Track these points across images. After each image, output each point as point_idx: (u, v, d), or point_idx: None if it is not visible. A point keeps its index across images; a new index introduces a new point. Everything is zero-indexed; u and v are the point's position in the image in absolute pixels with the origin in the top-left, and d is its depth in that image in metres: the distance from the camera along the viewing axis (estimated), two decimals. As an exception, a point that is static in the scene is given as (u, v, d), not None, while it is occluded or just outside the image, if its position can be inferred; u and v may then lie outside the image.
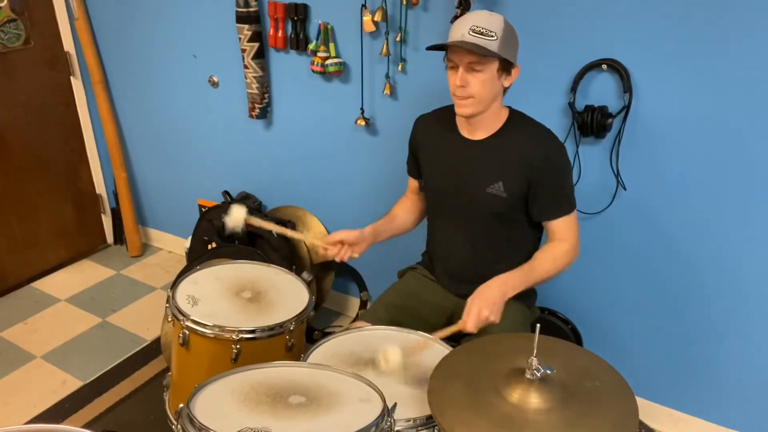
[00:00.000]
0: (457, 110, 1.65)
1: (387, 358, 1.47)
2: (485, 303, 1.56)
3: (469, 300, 1.59)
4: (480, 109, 1.64)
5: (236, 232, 2.56)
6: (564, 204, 1.71)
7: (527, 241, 1.80)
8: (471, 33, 1.54)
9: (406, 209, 1.97)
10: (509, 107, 1.74)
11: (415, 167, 1.91)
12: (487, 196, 1.71)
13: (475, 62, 1.56)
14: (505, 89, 1.68)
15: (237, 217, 1.82)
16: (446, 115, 1.80)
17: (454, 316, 1.85)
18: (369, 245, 1.82)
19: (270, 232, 2.57)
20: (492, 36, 1.55)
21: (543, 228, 1.80)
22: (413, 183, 1.96)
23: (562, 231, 1.72)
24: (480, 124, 1.70)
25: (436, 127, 1.82)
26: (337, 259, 1.78)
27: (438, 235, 1.89)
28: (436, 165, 1.81)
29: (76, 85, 3.09)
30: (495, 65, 1.59)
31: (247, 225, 1.84)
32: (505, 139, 1.70)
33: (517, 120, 1.72)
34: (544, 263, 1.69)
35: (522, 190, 1.69)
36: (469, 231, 1.80)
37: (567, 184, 1.71)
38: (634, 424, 1.21)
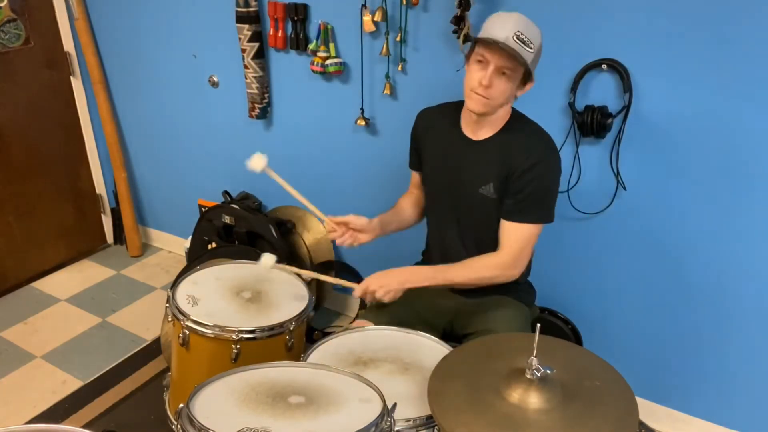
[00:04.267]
0: (470, 105, 1.64)
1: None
2: (379, 283, 1.66)
3: (370, 276, 1.69)
4: (490, 110, 1.64)
5: (239, 219, 2.62)
6: (524, 213, 1.67)
7: None
8: (515, 38, 1.53)
9: (411, 203, 1.98)
10: (513, 108, 1.74)
11: (417, 160, 1.91)
12: (479, 197, 1.71)
13: (508, 67, 1.56)
14: (515, 98, 1.68)
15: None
16: (450, 111, 1.80)
17: (454, 315, 1.85)
18: (374, 237, 1.83)
19: (271, 230, 2.58)
20: (531, 48, 1.55)
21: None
22: (416, 177, 1.96)
23: (507, 236, 1.69)
24: (485, 124, 1.70)
25: (439, 123, 1.82)
26: (338, 243, 1.81)
27: (435, 232, 1.89)
28: (435, 161, 1.82)
29: (76, 85, 3.09)
30: (520, 74, 1.59)
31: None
32: (502, 141, 1.70)
33: (516, 122, 1.72)
34: (464, 269, 1.70)
35: (504, 188, 1.69)
36: (463, 230, 1.80)
37: (539, 194, 1.67)
38: (634, 424, 1.21)
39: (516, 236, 1.68)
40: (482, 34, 1.57)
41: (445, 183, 1.78)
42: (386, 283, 1.66)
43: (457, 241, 1.81)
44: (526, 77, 1.62)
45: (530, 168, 1.63)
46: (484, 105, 1.61)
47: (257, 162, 1.83)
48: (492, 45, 1.53)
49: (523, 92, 1.66)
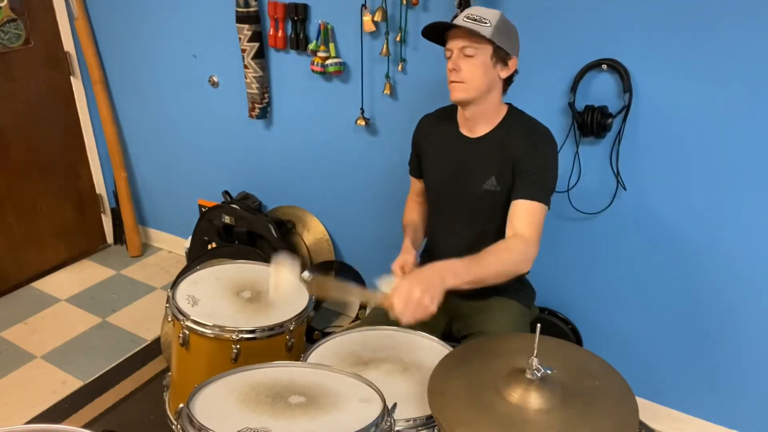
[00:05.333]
0: (452, 96, 1.66)
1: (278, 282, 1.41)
2: (418, 282, 1.32)
3: (400, 280, 1.37)
4: (472, 95, 1.63)
5: (240, 220, 2.56)
6: (533, 189, 1.62)
7: None
8: (465, 19, 1.59)
9: (419, 213, 1.95)
10: (509, 104, 1.74)
11: (418, 167, 1.91)
12: (484, 193, 1.71)
13: (467, 46, 1.59)
14: (505, 83, 1.68)
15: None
16: (448, 113, 1.81)
17: (454, 316, 1.85)
18: (416, 256, 1.78)
19: (271, 230, 2.58)
20: (485, 23, 1.58)
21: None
22: (417, 185, 1.95)
23: (521, 218, 1.60)
24: (479, 120, 1.70)
25: (438, 126, 1.82)
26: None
27: (439, 233, 1.89)
28: (437, 163, 1.81)
29: (76, 85, 3.09)
30: (488, 52, 1.60)
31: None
32: (500, 135, 1.70)
33: (514, 116, 1.72)
34: (492, 255, 1.51)
35: (510, 179, 1.68)
36: (468, 229, 1.79)
37: (542, 174, 1.64)
38: (634, 424, 1.21)
39: (527, 215, 1.60)
40: None
41: (449, 184, 1.78)
42: (427, 283, 1.33)
43: (465, 241, 1.80)
44: (502, 55, 1.62)
45: (531, 148, 1.65)
46: (462, 90, 1.63)
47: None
48: (451, 31, 1.61)
49: (508, 72, 1.65)
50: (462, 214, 1.79)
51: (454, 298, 1.84)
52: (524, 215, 1.61)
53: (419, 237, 1.88)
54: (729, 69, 1.75)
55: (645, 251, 2.06)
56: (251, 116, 2.63)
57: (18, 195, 2.95)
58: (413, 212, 1.95)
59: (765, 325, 1.96)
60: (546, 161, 1.66)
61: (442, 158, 1.79)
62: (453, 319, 1.86)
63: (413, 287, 1.30)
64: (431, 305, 1.31)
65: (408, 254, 1.74)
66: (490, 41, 1.58)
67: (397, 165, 2.08)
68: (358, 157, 2.51)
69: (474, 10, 1.61)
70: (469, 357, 1.41)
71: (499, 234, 1.76)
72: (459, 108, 1.73)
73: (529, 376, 1.24)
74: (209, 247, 2.78)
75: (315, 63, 2.35)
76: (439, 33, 1.67)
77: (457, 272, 1.40)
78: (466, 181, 1.74)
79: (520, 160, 1.65)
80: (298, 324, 1.72)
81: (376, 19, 2.17)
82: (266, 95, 2.59)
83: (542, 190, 1.63)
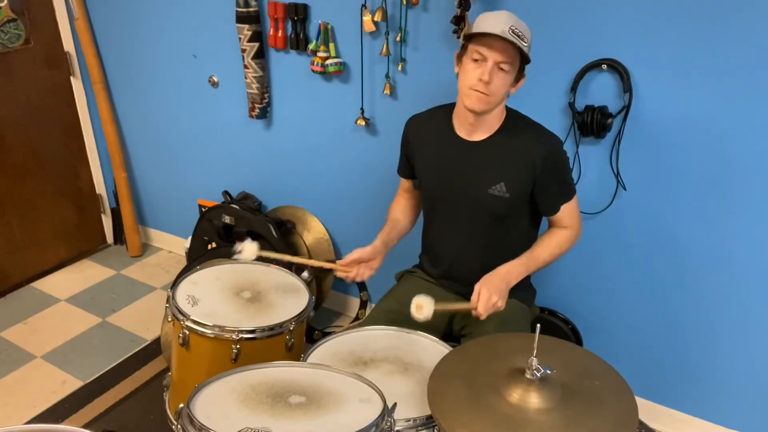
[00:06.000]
0: (469, 103, 1.62)
1: (420, 308, 1.55)
2: (494, 289, 1.60)
3: (477, 286, 1.62)
4: (489, 107, 1.64)
5: (239, 220, 2.59)
6: (566, 193, 1.75)
7: (527, 240, 1.80)
8: (511, 32, 1.54)
9: (403, 211, 1.97)
10: (506, 107, 1.74)
11: (407, 168, 1.90)
12: (489, 198, 1.71)
13: (506, 62, 1.57)
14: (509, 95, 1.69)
15: (249, 253, 1.75)
16: (440, 115, 1.79)
17: (454, 315, 1.85)
18: (383, 258, 1.82)
19: (272, 230, 2.57)
20: (525, 43, 1.58)
21: (543, 224, 1.82)
22: (405, 183, 1.96)
23: (565, 218, 1.76)
24: (482, 125, 1.70)
25: (430, 128, 1.81)
26: (358, 280, 1.78)
27: (437, 236, 1.89)
28: (432, 167, 1.80)
29: (76, 85, 3.09)
30: (516, 69, 1.60)
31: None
32: (505, 139, 1.70)
33: (514, 120, 1.72)
34: (545, 251, 1.74)
35: (527, 190, 1.70)
36: (468, 232, 1.79)
37: (567, 175, 1.76)
38: (634, 424, 1.21)
39: (569, 213, 1.76)
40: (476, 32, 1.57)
41: (445, 186, 1.77)
42: (499, 290, 1.62)
43: (465, 244, 1.81)
44: (520, 73, 1.64)
45: (549, 153, 1.67)
46: (484, 102, 1.60)
47: (249, 252, 1.75)
48: (491, 38, 1.53)
49: (516, 89, 1.67)
50: (461, 216, 1.78)
51: (454, 297, 1.86)
52: (569, 214, 1.76)
53: (395, 235, 1.90)
54: (729, 69, 1.75)
55: (645, 251, 2.06)
56: (251, 116, 2.63)
57: (18, 195, 2.95)
58: (397, 209, 1.98)
59: (765, 324, 1.96)
60: (566, 160, 1.74)
61: (437, 161, 1.78)
62: (453, 318, 1.86)
63: (492, 294, 1.60)
64: (503, 305, 1.63)
65: (371, 247, 1.78)
66: (522, 61, 1.59)
67: (396, 164, 2.07)
68: (358, 157, 2.51)
69: (517, 24, 1.56)
70: (469, 357, 1.42)
71: (503, 238, 1.77)
72: (461, 112, 1.71)
73: (528, 376, 1.24)
74: (209, 247, 2.78)
75: (315, 63, 2.35)
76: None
77: (519, 273, 1.69)
78: (467, 184, 1.73)
79: (542, 176, 1.67)
80: (298, 324, 1.72)
81: (376, 19, 2.17)
82: (266, 95, 2.59)
83: (571, 186, 1.77)
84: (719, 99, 1.79)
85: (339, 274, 1.79)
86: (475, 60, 1.58)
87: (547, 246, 1.75)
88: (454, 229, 1.82)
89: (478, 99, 1.60)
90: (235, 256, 1.76)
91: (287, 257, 1.85)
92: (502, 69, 1.57)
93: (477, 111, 1.63)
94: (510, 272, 1.67)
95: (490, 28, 1.53)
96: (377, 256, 1.79)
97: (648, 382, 2.21)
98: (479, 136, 1.72)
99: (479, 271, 1.69)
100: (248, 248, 1.74)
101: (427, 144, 1.81)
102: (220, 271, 1.93)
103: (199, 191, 3.04)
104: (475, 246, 1.80)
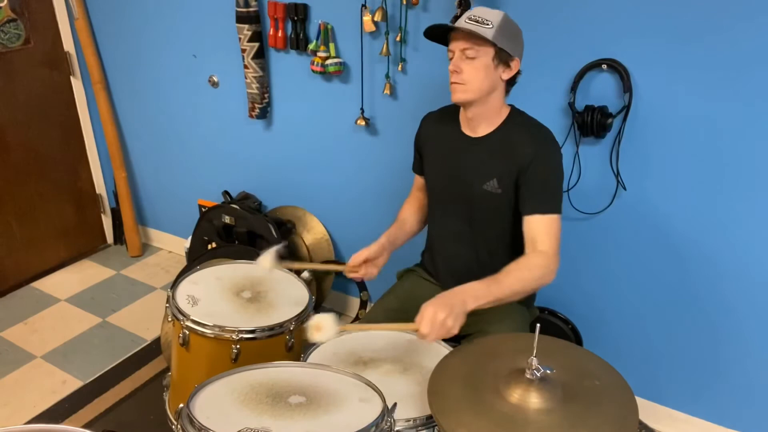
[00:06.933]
0: (453, 97, 1.66)
1: (320, 327, 1.41)
2: (441, 306, 1.40)
3: (424, 305, 1.43)
4: (473, 96, 1.63)
5: (239, 219, 2.59)
6: (546, 202, 1.63)
7: None
8: (467, 20, 1.59)
9: (413, 211, 1.96)
10: (511, 105, 1.74)
11: (420, 165, 1.91)
12: (484, 193, 1.71)
13: (468, 48, 1.59)
14: (508, 84, 1.68)
15: (264, 263, 1.75)
16: (451, 113, 1.81)
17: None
18: (389, 255, 1.82)
19: (272, 230, 2.58)
20: (487, 24, 1.58)
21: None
22: (419, 180, 1.96)
23: (539, 233, 1.61)
24: (481, 120, 1.70)
25: (440, 125, 1.83)
26: (367, 279, 1.79)
27: (438, 232, 1.89)
28: (438, 162, 1.82)
29: (76, 85, 3.09)
30: (490, 54, 1.60)
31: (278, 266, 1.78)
32: (503, 136, 1.70)
33: (516, 118, 1.72)
34: (510, 275, 1.54)
35: (514, 185, 1.68)
36: (467, 228, 1.79)
37: (552, 183, 1.65)
38: (634, 423, 1.21)
39: (544, 230, 1.61)
40: None
41: (448, 183, 1.78)
42: (448, 306, 1.40)
43: (465, 240, 1.80)
44: (504, 57, 1.62)
45: (537, 155, 1.63)
46: (462, 92, 1.63)
47: (266, 262, 1.75)
48: (452, 33, 1.61)
49: (511, 74, 1.65)
50: (461, 212, 1.79)
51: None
52: (542, 231, 1.61)
53: (401, 235, 1.90)
54: (729, 68, 1.75)
55: (645, 251, 2.06)
56: (251, 116, 2.63)
57: (18, 195, 2.95)
58: (407, 209, 1.97)
59: (765, 324, 1.96)
60: (555, 169, 1.66)
61: (442, 157, 1.80)
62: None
63: (437, 311, 1.39)
64: (454, 327, 1.40)
65: (376, 245, 1.77)
66: (491, 43, 1.57)
67: (397, 165, 2.08)
68: (358, 157, 2.51)
69: (477, 11, 1.60)
70: (469, 357, 1.41)
71: (500, 236, 1.77)
72: (461, 108, 1.74)
73: (528, 376, 1.24)
74: (209, 247, 2.78)
75: (315, 63, 2.35)
76: (441, 34, 1.67)
77: (478, 295, 1.47)
78: (465, 180, 1.74)
79: (527, 169, 1.64)
80: (298, 324, 1.72)
81: (376, 19, 2.17)
82: (266, 95, 2.59)
83: (554, 200, 1.63)
84: (719, 98, 1.79)
85: (349, 274, 1.81)
86: (450, 59, 1.65)
87: (512, 271, 1.55)
88: (454, 226, 1.82)
89: (455, 90, 1.64)
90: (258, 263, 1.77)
91: (296, 264, 1.88)
92: (468, 56, 1.60)
93: (460, 102, 1.66)
94: (466, 291, 1.47)
95: (445, 24, 1.63)
96: (383, 253, 1.80)
97: (648, 382, 2.21)
98: (481, 132, 1.72)
99: (477, 270, 1.69)
100: (264, 259, 1.75)
101: (435, 140, 1.82)
102: (220, 271, 1.93)
103: (199, 191, 3.04)
104: (474, 243, 1.80)
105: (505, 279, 1.53)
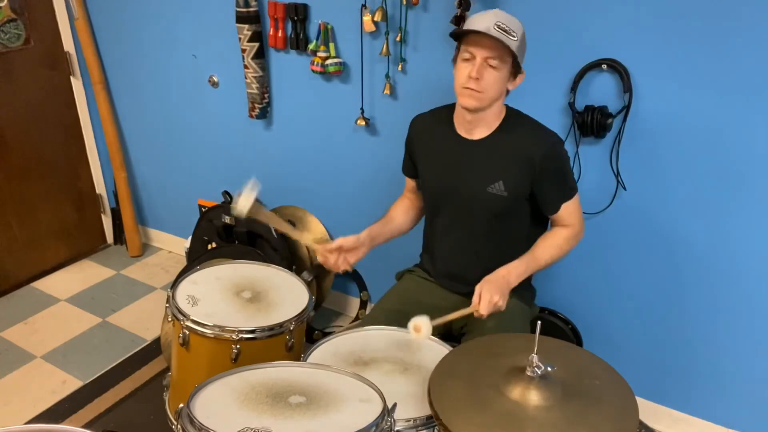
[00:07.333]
0: (462, 101, 1.64)
1: (418, 328, 1.56)
2: (495, 290, 1.60)
3: (478, 288, 1.62)
4: (484, 104, 1.64)
5: (239, 219, 2.55)
6: (566, 192, 1.74)
7: (528, 239, 1.80)
8: (496, 28, 1.55)
9: (403, 210, 1.97)
10: (506, 105, 1.74)
11: (411, 167, 1.91)
12: (488, 196, 1.71)
13: (493, 57, 1.57)
14: (507, 92, 1.69)
15: (243, 205, 1.71)
16: (443, 114, 1.80)
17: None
18: (367, 251, 1.80)
19: (272, 229, 2.58)
20: (514, 36, 1.57)
21: (544, 224, 1.82)
22: (410, 182, 1.96)
23: (566, 217, 1.75)
24: (480, 123, 1.70)
25: (433, 127, 1.82)
26: (334, 270, 1.76)
27: (437, 235, 1.89)
28: (433, 165, 1.81)
29: (76, 85, 3.09)
30: (509, 66, 1.61)
31: (251, 214, 1.74)
32: (504, 138, 1.70)
33: (513, 118, 1.73)
34: (546, 251, 1.73)
35: (525, 189, 1.70)
36: (469, 231, 1.80)
37: (568, 173, 1.75)
38: (634, 423, 1.21)
39: (570, 212, 1.75)
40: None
41: (449, 186, 1.78)
42: (500, 290, 1.61)
43: (466, 242, 1.81)
44: (515, 69, 1.63)
45: (549, 152, 1.67)
46: (476, 99, 1.61)
47: (243, 204, 1.71)
48: (478, 36, 1.55)
49: (515, 86, 1.67)
50: (460, 215, 1.79)
51: (454, 297, 1.86)
52: (571, 212, 1.75)
53: (386, 231, 1.89)
54: (729, 68, 1.75)
55: (645, 251, 2.06)
56: (251, 116, 2.63)
57: (18, 195, 2.95)
58: (397, 207, 1.98)
59: (765, 324, 1.95)
60: (566, 161, 1.73)
61: (438, 159, 1.79)
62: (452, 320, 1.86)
63: (493, 295, 1.60)
64: (504, 305, 1.63)
65: (354, 238, 1.76)
66: (514, 55, 1.58)
67: (397, 165, 2.07)
68: (358, 157, 2.51)
69: (504, 19, 1.57)
70: (469, 357, 1.42)
71: (500, 237, 1.77)
72: (459, 110, 1.73)
73: (529, 373, 1.24)
74: (209, 247, 2.78)
75: (315, 63, 2.35)
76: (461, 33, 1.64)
77: (520, 274, 1.69)
78: (465, 182, 1.74)
79: (542, 172, 1.67)
80: (298, 324, 1.72)
81: (376, 19, 2.17)
82: (266, 95, 2.59)
83: (571, 185, 1.75)
84: (719, 99, 1.79)
85: (319, 258, 1.77)
86: (466, 59, 1.61)
87: (548, 246, 1.74)
88: (454, 228, 1.82)
89: (470, 96, 1.62)
90: (232, 209, 1.72)
91: (275, 221, 1.85)
92: (491, 65, 1.58)
93: (471, 108, 1.64)
94: (510, 273, 1.66)
95: (475, 26, 1.56)
96: (360, 248, 1.77)
97: (648, 382, 2.21)
98: (478, 134, 1.72)
99: (479, 271, 1.69)
100: (242, 201, 1.69)
101: (429, 142, 1.82)
102: (220, 271, 1.93)
103: (199, 191, 3.04)
104: (475, 245, 1.80)
105: (542, 255, 1.73)
